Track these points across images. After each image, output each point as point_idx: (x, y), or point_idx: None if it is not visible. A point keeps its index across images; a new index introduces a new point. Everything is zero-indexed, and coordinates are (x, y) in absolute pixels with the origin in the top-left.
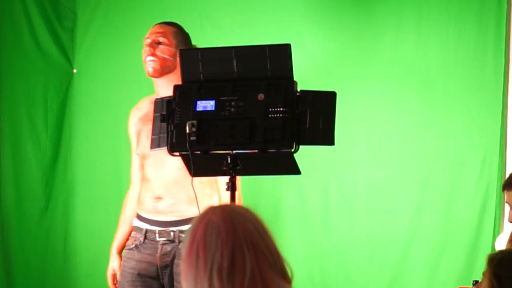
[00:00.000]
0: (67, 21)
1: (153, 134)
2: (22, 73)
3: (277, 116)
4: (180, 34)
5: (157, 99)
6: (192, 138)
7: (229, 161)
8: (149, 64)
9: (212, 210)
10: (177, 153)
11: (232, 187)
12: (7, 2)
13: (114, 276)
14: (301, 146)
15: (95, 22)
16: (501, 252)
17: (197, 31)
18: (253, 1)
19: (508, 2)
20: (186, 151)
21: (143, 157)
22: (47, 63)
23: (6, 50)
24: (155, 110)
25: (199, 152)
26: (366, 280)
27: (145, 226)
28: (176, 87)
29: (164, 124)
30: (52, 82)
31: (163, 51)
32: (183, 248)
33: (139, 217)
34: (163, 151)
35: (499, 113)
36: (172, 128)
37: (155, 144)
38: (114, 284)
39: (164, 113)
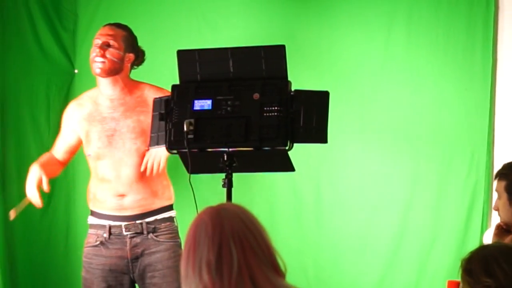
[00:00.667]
0: (68, 23)
1: (151, 132)
2: (25, 74)
3: (272, 115)
4: (129, 38)
5: (155, 98)
6: (190, 136)
7: (225, 158)
8: (98, 64)
9: (204, 210)
10: (175, 151)
11: (228, 184)
12: (11, 5)
13: (40, 180)
14: (295, 144)
15: (96, 23)
16: (470, 252)
17: (195, 33)
18: (248, 4)
19: (496, 5)
20: (184, 149)
21: (96, 158)
22: (50, 64)
23: (10, 51)
24: (154, 109)
25: (196, 150)
26: (358, 274)
27: (107, 222)
28: (174, 87)
29: (162, 123)
30: (54, 82)
31: (113, 54)
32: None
33: (97, 215)
34: (120, 151)
35: (487, 112)
36: (170, 127)
37: (153, 142)
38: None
39: (162, 112)
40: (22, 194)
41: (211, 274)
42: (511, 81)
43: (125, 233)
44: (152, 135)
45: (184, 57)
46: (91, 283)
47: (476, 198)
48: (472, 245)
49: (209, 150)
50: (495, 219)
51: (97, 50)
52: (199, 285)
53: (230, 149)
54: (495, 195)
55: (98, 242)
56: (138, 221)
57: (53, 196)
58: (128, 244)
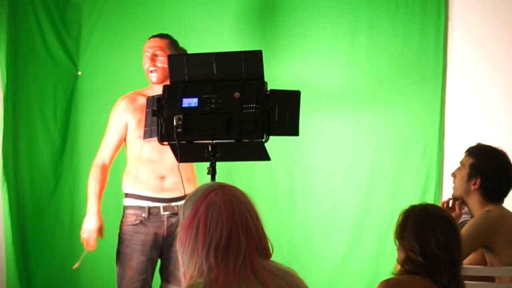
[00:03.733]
0: (73, 31)
1: (145, 126)
2: (35, 75)
3: (250, 111)
4: (172, 44)
5: (148, 97)
6: (179, 130)
7: (210, 149)
8: (153, 75)
9: (214, 191)
10: (166, 143)
11: (212, 172)
12: (22, 15)
13: (99, 229)
14: (270, 137)
15: (97, 31)
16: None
17: (183, 40)
18: (229, 15)
19: (446, 15)
20: (174, 141)
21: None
22: (56, 67)
23: (22, 56)
24: (147, 106)
25: (184, 142)
26: (326, 250)
27: (146, 203)
28: (165, 87)
29: (155, 118)
30: (60, 83)
31: (162, 62)
32: (183, 217)
33: (136, 196)
34: None
35: (438, 108)
36: (161, 122)
37: (147, 134)
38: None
39: (155, 108)
40: (33, 179)
41: (217, 257)
42: (459, 81)
43: (162, 213)
44: (146, 129)
45: (174, 61)
46: (131, 256)
47: (428, 184)
48: None
49: (196, 142)
50: None
51: (149, 61)
52: (204, 263)
53: (214, 141)
54: (445, 180)
55: (138, 221)
56: (174, 203)
57: (59, 182)
58: (165, 223)
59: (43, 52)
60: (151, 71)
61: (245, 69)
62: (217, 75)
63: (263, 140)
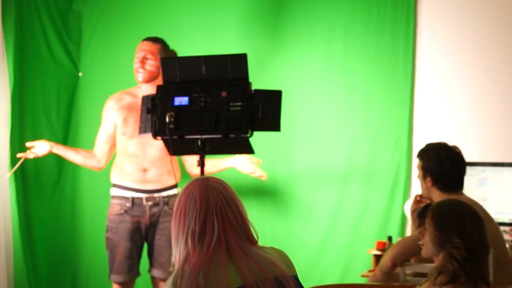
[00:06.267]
0: (74, 36)
1: (140, 122)
2: (40, 76)
3: (236, 109)
4: (163, 49)
5: (143, 96)
6: (171, 126)
7: (199, 143)
8: (140, 75)
9: (193, 184)
10: (159, 138)
11: (201, 164)
12: (28, 22)
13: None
14: (254, 132)
15: (96, 36)
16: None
17: (175, 44)
18: (218, 20)
19: (415, 22)
20: (166, 136)
21: (130, 136)
22: (59, 68)
23: (28, 59)
24: (142, 104)
25: (176, 137)
26: (305, 235)
27: (130, 194)
28: (158, 87)
29: (149, 115)
30: (62, 83)
31: (151, 65)
32: (173, 210)
33: (121, 187)
34: (148, 133)
35: (407, 107)
36: (155, 118)
37: (142, 130)
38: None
39: (149, 106)
40: (38, 170)
41: (194, 242)
42: (427, 82)
43: (145, 203)
44: (141, 125)
45: (167, 63)
46: (118, 243)
47: (399, 175)
48: (396, 213)
49: (187, 137)
50: (414, 191)
51: (139, 63)
52: (184, 249)
53: (203, 136)
54: (414, 173)
55: (123, 211)
56: (156, 194)
57: (62, 173)
58: (147, 213)
59: (47, 55)
60: (139, 72)
61: (231, 70)
62: (206, 76)
63: (248, 135)
